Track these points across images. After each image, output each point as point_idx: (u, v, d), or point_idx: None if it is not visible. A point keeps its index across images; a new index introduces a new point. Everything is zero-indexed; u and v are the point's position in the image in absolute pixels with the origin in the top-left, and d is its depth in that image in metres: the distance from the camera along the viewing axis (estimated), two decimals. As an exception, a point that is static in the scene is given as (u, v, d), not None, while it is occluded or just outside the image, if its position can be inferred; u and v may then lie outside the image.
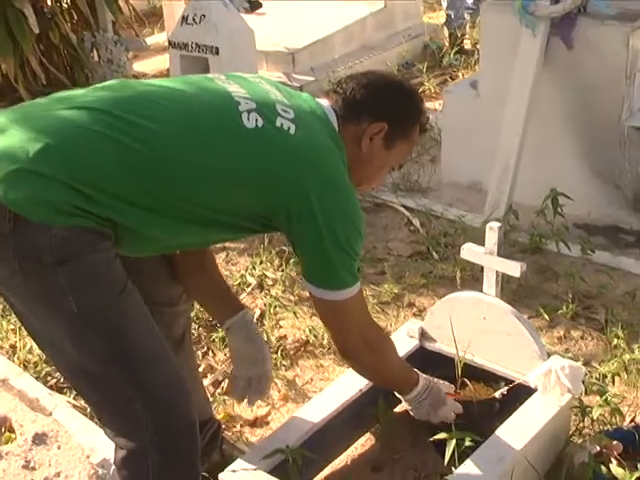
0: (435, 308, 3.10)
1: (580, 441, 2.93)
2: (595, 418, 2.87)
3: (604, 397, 2.80)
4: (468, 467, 2.60)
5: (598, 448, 2.76)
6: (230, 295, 2.80)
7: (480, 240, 4.15)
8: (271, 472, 2.64)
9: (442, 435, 2.69)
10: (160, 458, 2.27)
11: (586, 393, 2.98)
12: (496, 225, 2.86)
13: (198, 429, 2.36)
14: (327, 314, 2.44)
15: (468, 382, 2.94)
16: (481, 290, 3.00)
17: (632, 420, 3.06)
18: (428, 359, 3.09)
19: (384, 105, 2.44)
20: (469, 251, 2.96)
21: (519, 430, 2.72)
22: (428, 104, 6.04)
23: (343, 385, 2.97)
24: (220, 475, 2.64)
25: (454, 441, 2.65)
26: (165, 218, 2.21)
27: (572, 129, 4.47)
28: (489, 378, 2.98)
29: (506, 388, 2.83)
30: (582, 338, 3.64)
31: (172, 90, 2.29)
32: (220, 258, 4.25)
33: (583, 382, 2.81)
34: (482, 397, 2.90)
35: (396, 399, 3.05)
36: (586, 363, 3.46)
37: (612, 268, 4.10)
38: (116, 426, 2.33)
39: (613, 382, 3.29)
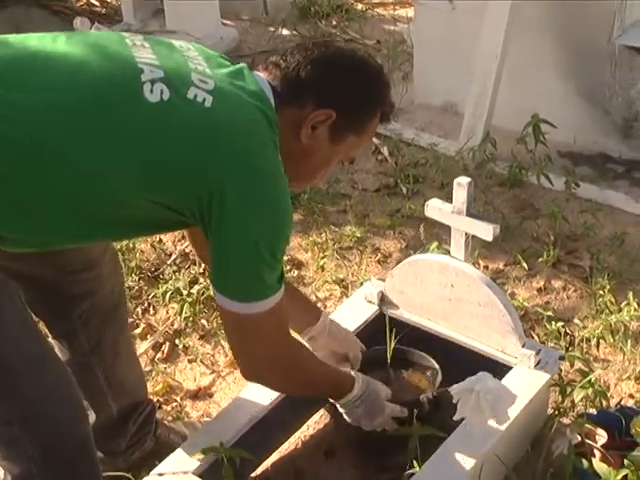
0: (397, 271, 2.72)
1: (560, 420, 2.58)
2: (577, 402, 2.51)
3: (587, 378, 2.44)
4: (431, 467, 2.27)
5: (579, 438, 2.41)
6: (305, 300, 2.55)
7: (453, 171, 3.83)
8: (205, 473, 2.30)
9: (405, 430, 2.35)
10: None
11: (571, 366, 2.63)
12: (465, 181, 2.46)
13: (92, 443, 2.04)
14: (233, 328, 1.98)
15: (404, 373, 2.63)
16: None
17: (619, 402, 2.72)
18: (389, 326, 2.73)
19: (334, 88, 1.95)
20: (434, 209, 2.57)
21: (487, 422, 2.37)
22: (403, 12, 5.61)
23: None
24: (145, 479, 2.29)
25: (416, 438, 2.32)
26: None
27: (557, 47, 4.04)
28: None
29: (432, 393, 2.44)
30: (564, 289, 3.29)
31: (53, 53, 1.83)
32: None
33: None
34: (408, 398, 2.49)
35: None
36: (568, 320, 3.12)
37: (599, 204, 3.73)
38: None
39: (598, 345, 2.94)
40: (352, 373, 2.34)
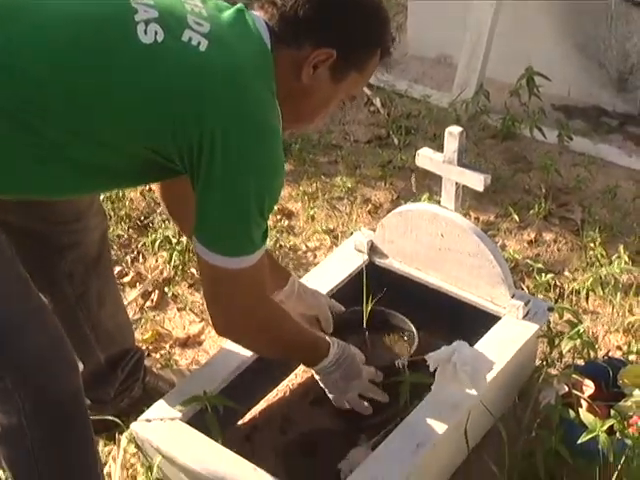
0: (387, 220, 2.70)
1: (548, 371, 2.58)
2: (565, 353, 2.51)
3: (576, 329, 2.43)
4: (417, 415, 2.26)
5: (566, 388, 2.41)
6: (274, 263, 2.47)
7: (446, 123, 3.79)
8: (193, 419, 2.30)
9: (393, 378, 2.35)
10: (40, 435, 1.91)
11: (560, 317, 2.62)
12: (456, 130, 2.44)
13: (83, 395, 2.02)
14: (213, 282, 1.93)
15: (381, 336, 2.58)
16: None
17: (606, 354, 2.72)
18: (379, 276, 2.72)
19: (333, 27, 1.88)
20: (425, 158, 2.55)
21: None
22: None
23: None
24: (132, 425, 2.30)
25: (408, 384, 2.30)
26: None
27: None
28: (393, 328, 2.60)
29: (406, 360, 2.38)
30: (555, 242, 3.27)
31: None
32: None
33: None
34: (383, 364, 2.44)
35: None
36: (559, 272, 3.11)
37: (592, 157, 3.71)
38: None
39: (587, 298, 2.94)
40: (327, 338, 2.29)
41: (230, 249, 1.85)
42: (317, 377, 2.32)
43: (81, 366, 2.45)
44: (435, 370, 2.27)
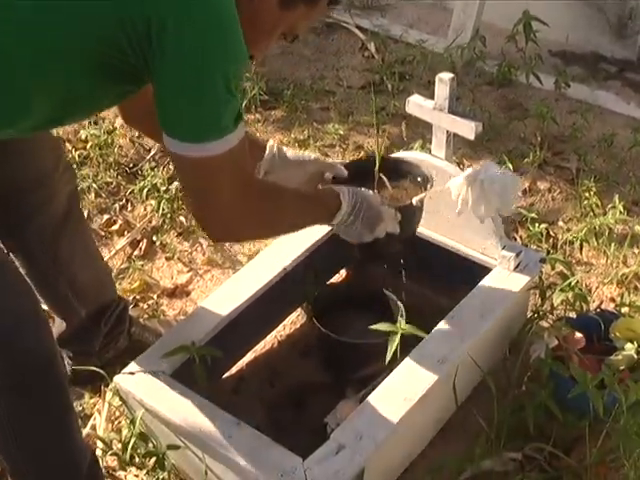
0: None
1: (540, 323, 2.54)
2: (556, 305, 2.47)
3: (567, 281, 2.39)
4: (405, 369, 2.23)
5: (557, 342, 2.38)
6: (250, 139, 2.21)
7: (441, 69, 3.72)
8: (178, 371, 2.26)
9: (384, 327, 2.29)
10: (12, 399, 1.86)
11: (552, 268, 2.58)
12: (447, 77, 2.37)
13: (59, 358, 1.95)
14: (192, 177, 1.76)
15: (386, 180, 2.32)
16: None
17: (599, 306, 2.67)
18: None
19: None
20: (415, 105, 2.49)
21: (465, 322, 2.33)
22: None
23: (267, 260, 2.57)
24: (115, 378, 2.26)
25: (398, 336, 2.24)
26: None
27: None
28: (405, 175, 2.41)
29: (425, 194, 2.26)
30: (549, 191, 3.22)
31: None
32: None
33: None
34: (401, 203, 2.28)
35: (326, 274, 2.72)
36: (553, 222, 3.06)
37: (589, 104, 3.64)
38: None
39: (581, 248, 2.89)
40: (334, 188, 2.12)
41: (199, 133, 1.70)
42: (339, 232, 2.17)
43: (63, 325, 2.44)
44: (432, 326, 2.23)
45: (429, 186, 2.28)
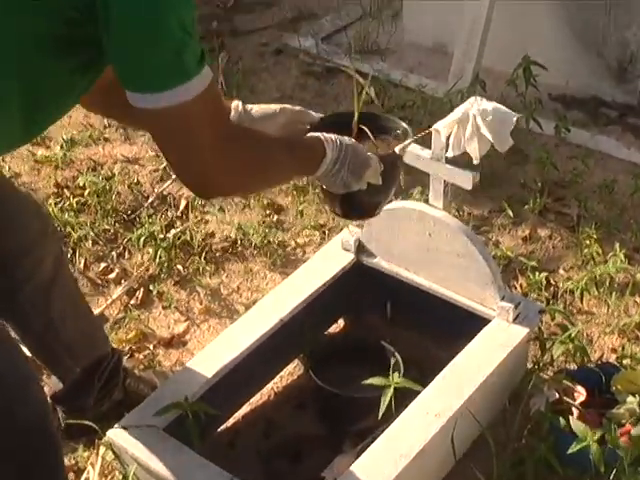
0: (374, 219, 2.61)
1: (540, 375, 2.50)
2: (556, 357, 2.43)
3: (567, 333, 2.36)
4: (402, 423, 2.20)
5: (557, 395, 2.34)
6: None
7: (441, 113, 3.71)
8: (172, 425, 2.23)
9: (377, 381, 2.27)
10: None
11: (552, 318, 2.55)
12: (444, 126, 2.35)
13: (49, 419, 1.93)
14: (168, 131, 1.68)
15: (367, 130, 2.14)
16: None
17: (600, 358, 2.64)
18: (365, 276, 2.65)
19: None
20: (412, 155, 2.46)
21: (463, 375, 2.30)
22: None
23: (264, 310, 2.55)
24: (109, 432, 2.23)
25: (391, 390, 2.22)
26: None
27: (551, -15, 3.89)
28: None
29: (409, 141, 2.13)
30: (550, 238, 3.19)
31: None
32: (146, 137, 3.73)
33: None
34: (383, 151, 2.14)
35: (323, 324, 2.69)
36: (553, 270, 3.03)
37: (589, 150, 3.62)
38: None
39: (582, 297, 2.86)
40: (316, 135, 1.98)
41: (165, 80, 1.61)
42: (325, 185, 2.04)
43: (60, 385, 2.42)
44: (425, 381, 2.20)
45: (409, 137, 2.16)
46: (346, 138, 1.99)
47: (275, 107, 2.13)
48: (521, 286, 2.94)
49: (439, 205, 2.48)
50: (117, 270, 3.15)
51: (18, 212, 2.11)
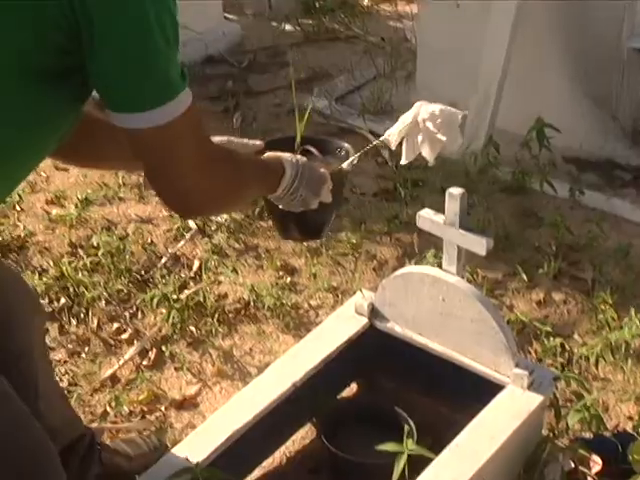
0: (387, 282, 2.62)
1: (555, 442, 2.47)
2: (572, 425, 2.41)
3: (582, 402, 2.34)
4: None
5: (572, 465, 2.31)
6: None
7: (455, 176, 3.72)
8: (182, 492, 2.21)
9: (390, 447, 2.25)
10: None
11: (568, 385, 2.52)
12: (457, 192, 2.36)
13: None
14: (154, 150, 1.66)
15: (314, 150, 2.19)
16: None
17: (616, 426, 2.61)
18: (379, 340, 2.64)
19: None
20: (425, 220, 2.47)
21: (477, 443, 2.27)
22: (408, 8, 5.52)
23: (277, 373, 2.54)
24: (117, 498, 2.21)
25: (404, 457, 2.21)
26: None
27: (564, 49, 3.93)
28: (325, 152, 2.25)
29: (354, 157, 2.16)
30: (565, 303, 3.18)
31: None
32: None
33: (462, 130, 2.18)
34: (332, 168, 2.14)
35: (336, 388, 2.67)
36: (568, 335, 3.01)
37: (604, 213, 3.62)
38: None
39: (597, 363, 2.83)
40: (274, 154, 2.00)
41: (153, 98, 1.59)
42: (283, 204, 2.02)
43: None
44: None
45: (351, 156, 2.18)
46: (299, 156, 2.01)
47: (219, 138, 2.11)
48: (535, 351, 2.92)
49: (453, 270, 2.47)
50: (130, 330, 3.14)
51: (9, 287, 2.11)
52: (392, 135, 2.16)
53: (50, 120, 1.69)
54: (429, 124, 2.10)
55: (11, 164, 1.70)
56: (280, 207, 2.03)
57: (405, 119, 2.14)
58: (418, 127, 2.11)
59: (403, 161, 2.19)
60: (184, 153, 1.67)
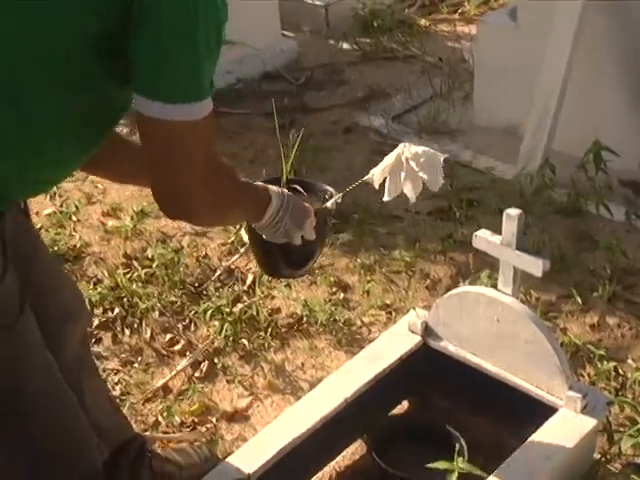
0: (442, 302, 2.63)
1: (608, 466, 2.46)
2: (625, 450, 2.39)
3: (636, 427, 2.32)
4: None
5: (626, 490, 2.30)
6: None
7: (510, 196, 3.72)
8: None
9: (441, 464, 2.25)
10: None
11: (621, 410, 2.50)
12: (515, 212, 2.36)
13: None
14: (169, 144, 1.69)
15: (300, 189, 2.24)
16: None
17: (670, 451, 2.59)
18: (432, 359, 2.64)
19: None
20: (483, 240, 2.47)
21: (529, 465, 2.27)
22: (466, 29, 5.52)
23: (329, 389, 2.56)
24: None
25: (455, 475, 2.21)
26: None
27: (623, 71, 3.90)
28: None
29: (338, 196, 2.21)
30: (619, 326, 3.15)
31: None
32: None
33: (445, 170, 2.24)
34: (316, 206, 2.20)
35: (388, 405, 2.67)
36: (622, 360, 2.99)
37: (660, 237, 3.58)
38: None
39: (651, 389, 2.81)
40: (260, 183, 2.05)
41: (182, 93, 1.65)
42: (266, 234, 2.06)
43: None
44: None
45: (335, 199, 2.22)
46: (285, 190, 2.06)
47: None
48: (589, 375, 2.90)
49: (508, 291, 2.47)
50: (182, 342, 3.16)
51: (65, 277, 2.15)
52: (376, 174, 2.22)
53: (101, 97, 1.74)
54: (412, 163, 2.16)
55: (83, 130, 1.77)
56: (264, 240, 2.07)
57: (388, 159, 2.21)
58: (401, 166, 2.18)
59: (385, 198, 2.24)
60: (194, 155, 1.71)
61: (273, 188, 2.02)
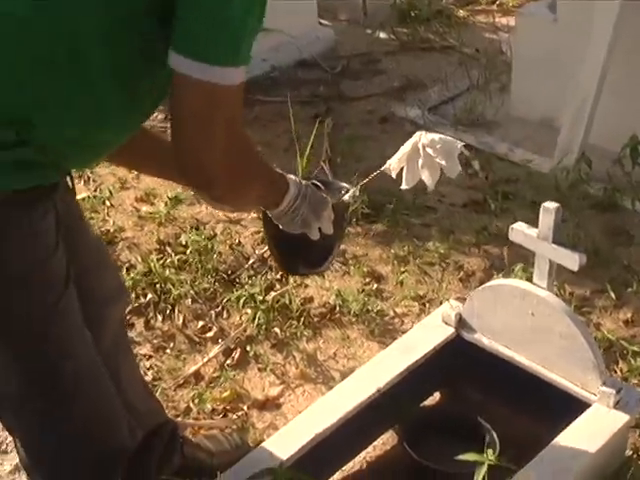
0: (476, 294, 2.62)
1: (638, 463, 2.45)
2: (658, 447, 2.38)
3: (670, 424, 2.31)
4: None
5: (658, 486, 2.29)
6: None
7: (546, 190, 3.70)
8: (263, 491, 2.23)
9: (471, 456, 2.25)
10: None
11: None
12: (552, 206, 2.34)
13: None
14: (200, 107, 1.65)
15: (318, 183, 2.17)
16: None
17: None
18: (465, 351, 2.63)
19: None
20: (519, 233, 2.46)
21: (559, 459, 2.26)
22: (504, 20, 5.49)
23: (362, 378, 2.56)
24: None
25: (485, 467, 2.20)
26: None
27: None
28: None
29: (356, 188, 2.22)
30: (653, 323, 3.13)
31: None
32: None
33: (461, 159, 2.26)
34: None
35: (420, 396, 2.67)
36: (655, 358, 2.97)
37: (697, 233, 3.56)
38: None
39: (684, 387, 2.79)
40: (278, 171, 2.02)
41: (231, 56, 1.64)
42: (283, 224, 2.03)
43: None
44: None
45: (352, 192, 2.21)
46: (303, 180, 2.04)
47: None
48: (621, 370, 2.89)
49: (543, 284, 2.45)
50: (215, 329, 3.17)
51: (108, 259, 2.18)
52: (392, 164, 2.22)
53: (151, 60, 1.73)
54: (429, 150, 2.16)
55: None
56: (282, 235, 2.05)
57: (405, 148, 2.20)
58: (418, 153, 2.18)
59: (403, 186, 2.23)
60: (221, 126, 1.68)
61: (291, 176, 2.01)
